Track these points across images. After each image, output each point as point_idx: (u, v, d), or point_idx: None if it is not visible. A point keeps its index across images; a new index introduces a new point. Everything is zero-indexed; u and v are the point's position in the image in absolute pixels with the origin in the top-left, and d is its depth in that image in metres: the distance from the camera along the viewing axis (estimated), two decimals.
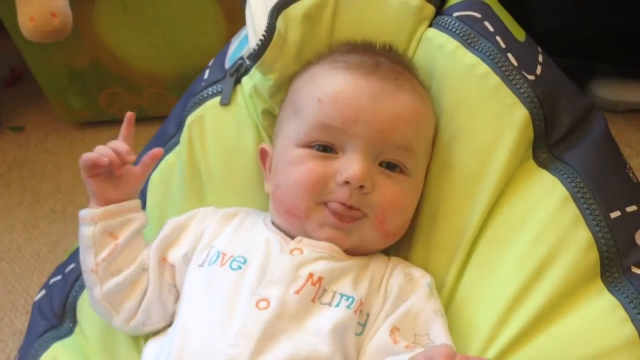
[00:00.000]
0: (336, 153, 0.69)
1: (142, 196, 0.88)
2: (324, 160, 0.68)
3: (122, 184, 0.73)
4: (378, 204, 0.68)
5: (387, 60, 0.72)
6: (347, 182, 0.66)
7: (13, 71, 1.74)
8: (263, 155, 0.79)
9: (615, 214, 0.67)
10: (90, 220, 0.71)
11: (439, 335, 0.64)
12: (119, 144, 0.72)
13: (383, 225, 0.69)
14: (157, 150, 0.78)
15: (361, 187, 0.67)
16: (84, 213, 0.72)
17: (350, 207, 0.68)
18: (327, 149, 0.69)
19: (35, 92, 1.58)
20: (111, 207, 0.72)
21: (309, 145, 0.69)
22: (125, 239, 0.72)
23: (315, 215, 0.69)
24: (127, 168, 0.74)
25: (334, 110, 0.68)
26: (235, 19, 1.36)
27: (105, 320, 0.75)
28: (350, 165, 0.67)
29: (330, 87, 0.69)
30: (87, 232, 0.71)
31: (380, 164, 0.69)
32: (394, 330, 0.64)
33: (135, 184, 0.75)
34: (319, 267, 0.66)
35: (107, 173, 0.72)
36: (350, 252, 0.70)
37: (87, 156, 0.71)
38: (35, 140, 1.59)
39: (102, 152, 0.71)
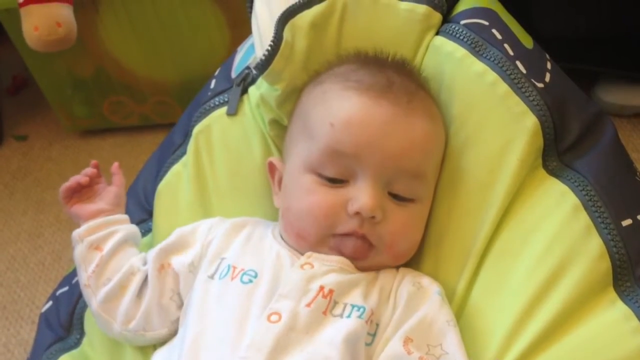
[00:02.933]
0: (347, 181, 0.68)
1: (149, 206, 0.88)
2: (334, 189, 0.68)
3: (102, 198, 0.79)
4: (388, 233, 0.68)
5: (400, 77, 0.71)
6: (358, 213, 0.66)
7: (16, 80, 1.74)
8: (272, 169, 0.79)
9: (626, 222, 0.66)
10: (78, 239, 0.76)
11: (453, 346, 0.64)
12: (85, 172, 0.80)
13: (392, 249, 0.70)
14: (115, 164, 0.83)
15: (372, 217, 0.67)
16: (73, 234, 0.77)
17: (362, 237, 0.68)
18: (337, 180, 0.68)
19: (39, 100, 1.59)
20: (93, 222, 0.76)
21: (319, 174, 0.69)
22: (109, 250, 0.75)
23: (326, 243, 0.69)
24: (100, 186, 0.80)
25: (346, 136, 0.67)
26: (239, 26, 1.36)
27: (106, 331, 0.76)
28: (361, 195, 0.66)
29: (342, 112, 0.68)
30: (76, 250, 0.76)
31: (389, 193, 0.69)
32: (407, 341, 0.63)
33: (113, 192, 0.80)
34: (330, 279, 0.66)
35: (81, 196, 0.79)
36: (361, 268, 0.70)
37: (64, 186, 0.78)
38: (39, 149, 1.59)
39: (73, 178, 0.78)
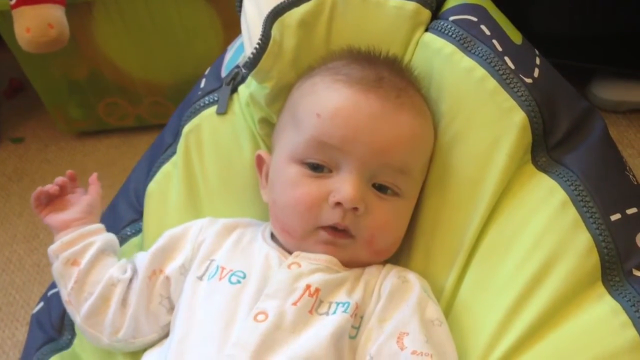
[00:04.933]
0: (330, 171, 0.68)
1: (140, 206, 0.88)
2: (317, 180, 0.68)
3: (74, 205, 0.78)
4: (368, 227, 0.68)
5: (390, 74, 0.71)
6: (339, 204, 0.66)
7: (12, 82, 1.74)
8: (259, 162, 0.79)
9: (615, 217, 0.66)
10: (53, 255, 0.75)
11: (443, 341, 0.64)
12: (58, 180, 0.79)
13: (372, 245, 0.70)
14: (94, 175, 0.83)
15: (354, 209, 0.66)
16: (49, 251, 0.76)
17: (344, 230, 0.68)
18: (321, 167, 0.68)
19: (35, 103, 1.59)
20: (66, 237, 0.75)
21: (303, 162, 0.69)
22: (86, 263, 0.74)
23: (310, 237, 0.69)
24: (74, 195, 0.80)
25: (332, 127, 0.67)
26: (233, 27, 1.35)
27: (95, 343, 0.76)
28: (343, 186, 0.66)
29: (330, 103, 0.68)
30: (53, 267, 0.75)
31: (374, 185, 0.69)
32: (401, 336, 0.62)
33: (86, 200, 0.79)
34: (316, 278, 0.66)
35: (54, 205, 0.78)
36: (347, 264, 0.70)
37: (34, 195, 0.78)
38: (35, 151, 1.59)
39: (42, 188, 0.78)
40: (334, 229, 0.68)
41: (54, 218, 0.77)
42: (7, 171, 1.54)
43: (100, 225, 0.79)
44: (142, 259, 0.75)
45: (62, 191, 0.78)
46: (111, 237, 0.78)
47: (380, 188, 0.69)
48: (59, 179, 0.79)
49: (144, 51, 1.42)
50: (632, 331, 0.60)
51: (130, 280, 0.74)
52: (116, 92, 1.50)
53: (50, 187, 0.77)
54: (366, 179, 0.68)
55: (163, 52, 1.42)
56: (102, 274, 0.74)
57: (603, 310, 0.63)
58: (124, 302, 0.73)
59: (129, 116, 1.55)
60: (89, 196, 0.80)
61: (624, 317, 0.62)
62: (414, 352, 0.61)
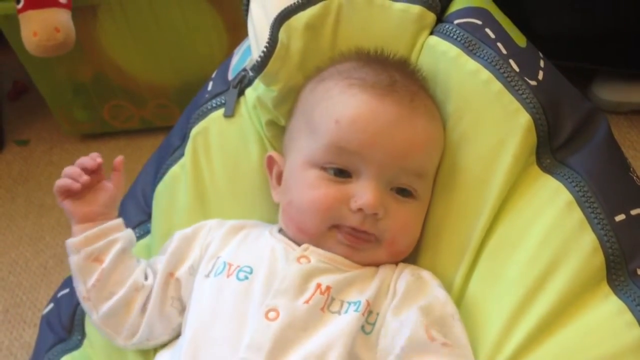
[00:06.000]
0: (350, 177, 0.69)
1: (148, 208, 0.89)
2: (337, 185, 0.69)
3: (97, 198, 0.75)
4: (389, 229, 0.69)
5: (402, 76, 0.72)
6: (360, 209, 0.67)
7: (17, 85, 1.74)
8: (270, 163, 0.79)
9: (620, 218, 0.67)
10: (74, 248, 0.73)
11: (460, 336, 0.65)
12: (86, 160, 0.74)
13: (393, 247, 0.71)
14: (119, 158, 0.78)
15: (374, 214, 0.67)
16: (68, 243, 0.73)
17: (364, 232, 0.68)
18: (341, 172, 0.69)
19: (40, 105, 1.59)
20: (91, 233, 0.73)
21: (323, 167, 0.69)
22: (111, 262, 0.73)
23: (327, 236, 0.70)
24: (100, 183, 0.76)
25: (351, 133, 0.68)
26: (236, 29, 1.36)
27: (109, 340, 0.76)
28: (364, 192, 0.67)
29: (348, 109, 0.69)
30: (72, 261, 0.73)
31: (392, 189, 0.69)
32: (427, 328, 0.63)
33: (110, 194, 0.76)
34: (327, 278, 0.67)
35: (79, 193, 0.74)
36: (360, 262, 0.70)
37: (59, 183, 0.74)
38: (40, 154, 1.60)
39: (71, 174, 0.73)
40: (353, 230, 0.68)
41: (75, 207, 0.74)
42: (12, 173, 1.55)
43: (121, 220, 0.77)
44: (160, 265, 0.75)
45: (83, 188, 0.74)
46: (131, 235, 0.77)
47: (399, 191, 0.70)
48: (82, 177, 0.73)
49: (148, 53, 1.43)
50: (638, 330, 0.61)
51: (150, 285, 0.74)
52: (121, 95, 1.50)
53: (72, 184, 0.73)
54: (384, 183, 0.69)
55: (167, 55, 1.43)
56: (124, 275, 0.73)
57: (608, 309, 0.64)
58: (143, 307, 0.73)
59: (134, 118, 1.55)
60: (114, 189, 0.77)
61: (629, 316, 0.62)
62: (444, 344, 0.63)
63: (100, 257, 0.73)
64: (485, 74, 0.72)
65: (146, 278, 0.75)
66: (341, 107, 0.70)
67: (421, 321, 0.64)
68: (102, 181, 0.76)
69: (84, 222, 0.74)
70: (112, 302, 0.72)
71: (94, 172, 0.74)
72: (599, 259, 0.65)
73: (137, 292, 0.73)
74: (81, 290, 0.73)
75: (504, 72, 0.72)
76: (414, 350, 0.62)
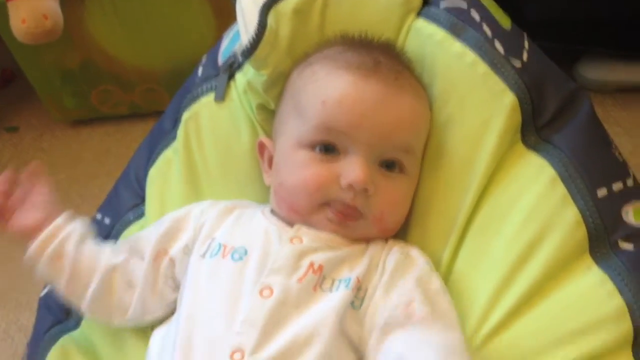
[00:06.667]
0: (338, 154, 0.70)
1: (142, 191, 0.90)
2: (326, 163, 0.70)
3: (34, 207, 0.74)
4: (378, 205, 0.70)
5: (386, 58, 0.73)
6: (350, 186, 0.68)
7: (5, 72, 1.74)
8: (261, 148, 0.81)
9: (601, 192, 0.69)
10: (35, 258, 0.73)
11: (446, 310, 0.66)
12: None
13: (382, 222, 0.72)
14: (35, 166, 0.77)
15: (365, 190, 0.69)
16: (26, 258, 0.73)
17: (354, 208, 0.70)
18: (329, 149, 0.70)
19: (29, 92, 1.59)
20: (43, 235, 0.73)
21: (311, 146, 0.71)
22: (73, 254, 0.73)
23: (318, 213, 0.71)
24: (23, 191, 0.75)
25: (339, 114, 0.69)
26: (224, 13, 1.37)
27: (106, 324, 0.78)
28: (353, 169, 0.68)
29: (334, 91, 0.70)
30: (38, 271, 0.74)
31: (380, 164, 0.71)
32: (408, 305, 0.65)
33: (39, 200, 0.75)
34: (320, 256, 0.68)
35: (6, 211, 0.73)
36: (349, 238, 0.72)
37: None
38: (30, 140, 1.60)
39: None
40: (343, 207, 0.70)
41: (19, 225, 0.73)
42: (2, 160, 1.56)
43: (67, 214, 0.76)
44: (147, 241, 0.76)
45: (8, 194, 0.73)
46: (83, 222, 0.77)
47: (388, 166, 0.71)
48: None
49: (135, 38, 1.43)
50: (619, 299, 0.64)
51: (127, 261, 0.76)
52: (109, 80, 1.51)
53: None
54: (373, 160, 0.70)
55: (155, 39, 1.43)
56: (93, 261, 0.74)
57: (591, 280, 0.67)
58: (129, 282, 0.75)
59: (123, 103, 1.56)
60: (44, 190, 0.76)
61: (610, 286, 0.65)
62: (426, 317, 0.64)
63: (61, 254, 0.73)
64: (471, 56, 0.74)
65: (118, 256, 0.76)
66: (327, 88, 0.71)
67: (408, 295, 0.66)
68: (31, 188, 0.76)
69: (36, 233, 0.73)
70: (93, 287, 0.74)
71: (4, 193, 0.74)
72: (582, 231, 0.68)
73: (113, 272, 0.75)
74: (60, 289, 0.75)
75: (490, 54, 0.73)
76: (399, 324, 0.64)
